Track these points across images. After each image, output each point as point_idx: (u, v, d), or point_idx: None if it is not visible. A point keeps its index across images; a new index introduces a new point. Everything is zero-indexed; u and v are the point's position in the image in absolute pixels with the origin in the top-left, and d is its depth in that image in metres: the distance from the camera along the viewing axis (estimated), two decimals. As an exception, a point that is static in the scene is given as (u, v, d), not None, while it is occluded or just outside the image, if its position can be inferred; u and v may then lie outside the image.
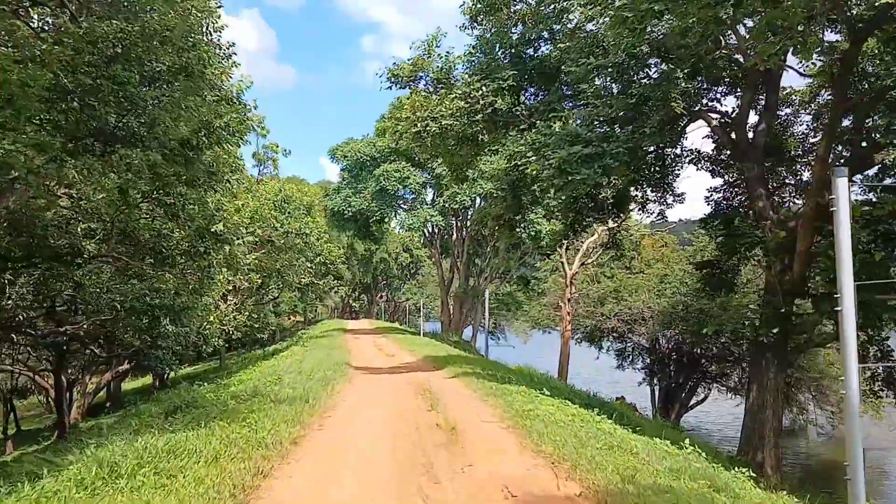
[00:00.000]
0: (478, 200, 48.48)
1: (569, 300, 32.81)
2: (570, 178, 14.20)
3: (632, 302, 30.40)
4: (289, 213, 34.96)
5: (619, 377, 41.93)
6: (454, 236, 53.70)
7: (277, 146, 42.43)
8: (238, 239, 16.96)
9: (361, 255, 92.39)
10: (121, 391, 42.63)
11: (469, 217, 52.17)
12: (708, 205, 22.41)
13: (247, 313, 34.06)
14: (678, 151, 20.93)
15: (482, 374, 17.89)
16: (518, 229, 22.38)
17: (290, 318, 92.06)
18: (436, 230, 53.74)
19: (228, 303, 31.60)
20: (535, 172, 14.72)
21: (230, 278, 30.12)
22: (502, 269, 52.27)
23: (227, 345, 46.97)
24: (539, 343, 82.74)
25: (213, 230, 15.54)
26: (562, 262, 34.99)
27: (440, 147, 18.63)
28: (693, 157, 21.38)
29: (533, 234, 44.73)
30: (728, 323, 20.67)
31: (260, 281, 32.64)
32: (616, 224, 22.62)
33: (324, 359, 25.18)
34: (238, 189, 23.98)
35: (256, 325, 42.94)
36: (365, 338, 43.13)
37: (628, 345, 35.62)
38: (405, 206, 47.94)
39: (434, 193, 48.69)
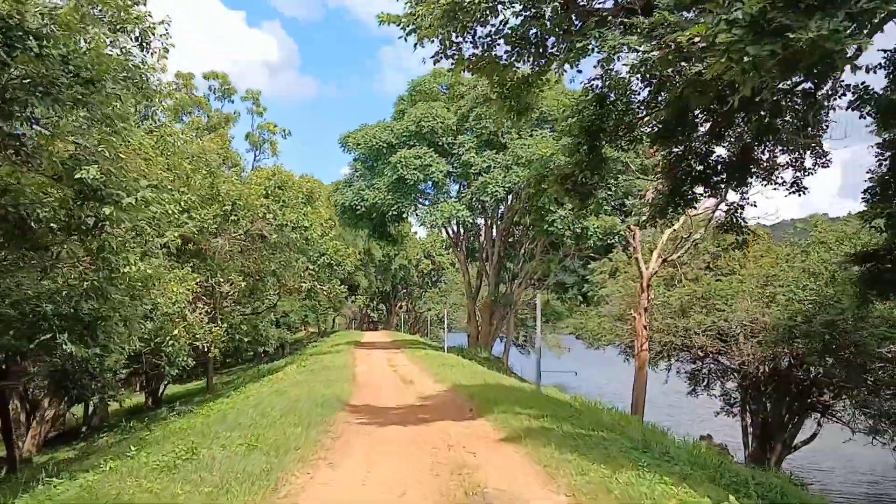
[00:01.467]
0: (510, 199, 41.64)
1: (645, 310, 25.57)
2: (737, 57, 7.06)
3: (728, 312, 23.19)
4: (284, 202, 28.24)
5: (692, 406, 34.72)
6: (482, 237, 46.69)
7: (275, 126, 35.67)
8: (141, 199, 9.85)
9: (379, 261, 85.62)
10: (108, 412, 36.21)
11: (500, 214, 45.16)
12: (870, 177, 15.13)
13: (227, 324, 27.29)
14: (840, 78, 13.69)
15: (559, 434, 10.69)
16: (592, 197, 14.97)
17: (304, 330, 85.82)
18: (461, 230, 46.80)
19: (198, 310, 24.77)
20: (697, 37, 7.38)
21: (203, 280, 23.42)
22: (538, 275, 45.13)
23: (222, 357, 40.40)
24: (578, 358, 75.36)
25: (78, 177, 8.67)
26: (636, 259, 27.73)
27: (485, 59, 11.45)
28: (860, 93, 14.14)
29: (578, 231, 37.70)
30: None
31: (245, 284, 25.92)
32: (739, 195, 15.45)
33: (315, 389, 18.36)
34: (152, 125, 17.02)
35: (248, 339, 36.28)
36: (379, 354, 36.25)
37: (705, 366, 28.40)
38: (426, 201, 41.04)
39: (460, 186, 41.71)
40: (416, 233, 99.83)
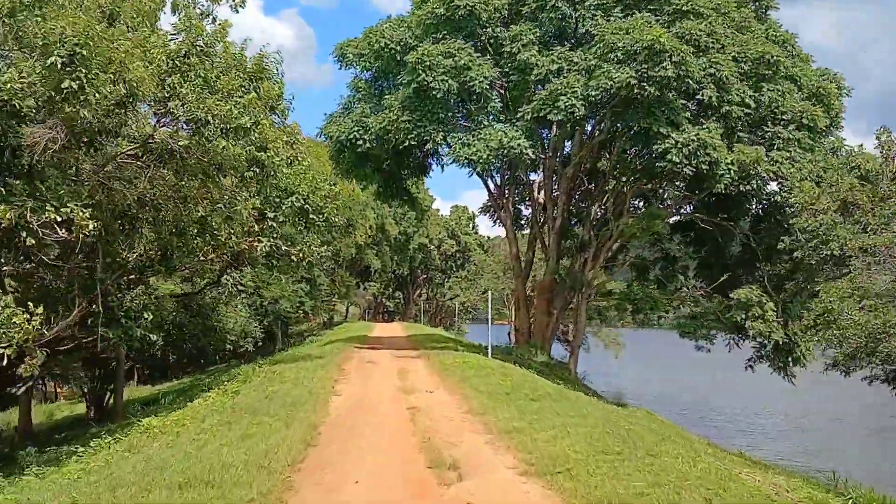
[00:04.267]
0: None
1: None
2: None
3: None
4: (201, 79, 14.52)
5: None
6: (538, 189, 32.76)
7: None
8: None
9: (395, 239, 71.81)
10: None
11: (566, 155, 31.14)
12: None
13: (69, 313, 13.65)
14: None
15: None
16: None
17: (310, 320, 72.05)
18: (508, 177, 32.89)
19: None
20: None
21: None
22: (618, 244, 31.01)
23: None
24: (642, 358, 61.20)
25: None
26: None
27: None
28: None
29: (706, 165, 23.76)
30: None
31: (94, 228, 12.41)
32: None
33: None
34: None
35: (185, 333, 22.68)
36: (386, 362, 22.66)
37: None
38: (461, 124, 26.89)
39: (512, 100, 27.53)
40: (437, 209, 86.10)
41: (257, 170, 17.33)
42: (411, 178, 37.01)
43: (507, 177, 33.20)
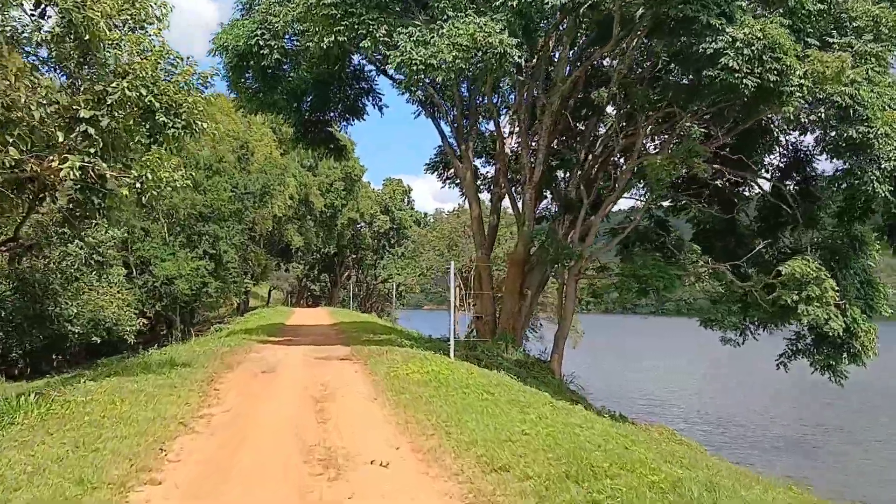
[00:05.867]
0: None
1: None
2: None
3: None
4: None
5: None
6: (515, 122, 24.77)
7: None
8: None
9: (321, 213, 62.80)
10: None
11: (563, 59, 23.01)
12: None
13: None
14: None
15: None
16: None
17: (226, 305, 62.52)
18: (465, 112, 24.79)
19: None
20: None
21: None
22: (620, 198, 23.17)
23: None
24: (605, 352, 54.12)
25: None
26: None
27: None
28: None
29: (776, 76, 16.04)
30: None
31: None
32: None
33: None
34: None
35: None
36: (298, 367, 14.39)
37: None
38: (412, 23, 18.36)
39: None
40: (369, 182, 77.38)
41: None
42: (339, 122, 28.38)
43: (467, 112, 24.99)
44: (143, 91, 10.81)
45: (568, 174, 24.15)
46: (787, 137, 24.18)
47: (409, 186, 76.21)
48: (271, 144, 57.45)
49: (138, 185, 10.73)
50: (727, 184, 24.56)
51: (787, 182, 24.34)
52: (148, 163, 10.73)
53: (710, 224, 25.51)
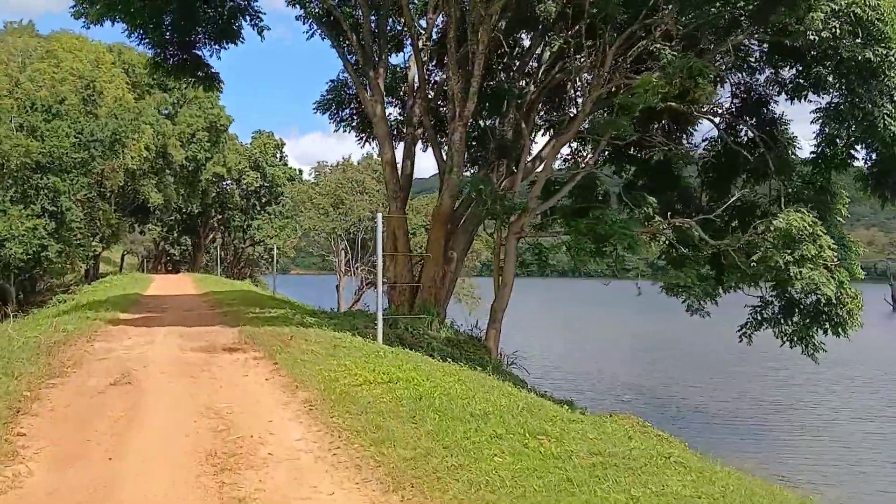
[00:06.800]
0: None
1: None
2: None
3: None
4: None
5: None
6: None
7: None
8: None
9: (181, 166, 55.64)
10: None
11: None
12: None
13: None
14: None
15: None
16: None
17: (73, 270, 54.57)
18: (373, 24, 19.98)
19: None
20: None
21: None
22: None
23: None
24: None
25: None
26: None
27: None
28: None
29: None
30: None
31: None
32: None
33: None
34: None
35: None
36: (168, 370, 9.25)
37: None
38: None
39: None
40: (235, 135, 70.20)
41: None
42: (209, 46, 22.64)
43: (376, 32, 20.11)
44: None
45: (503, 112, 19.72)
46: (736, 77, 21.01)
47: (281, 140, 69.67)
48: (123, 87, 49.85)
49: None
50: (672, 126, 21.24)
51: (740, 126, 21.28)
52: None
53: (644, 179, 22.01)
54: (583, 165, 18.90)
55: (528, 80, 19.40)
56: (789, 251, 16.01)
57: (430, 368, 9.56)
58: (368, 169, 44.74)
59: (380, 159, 44.71)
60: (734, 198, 18.40)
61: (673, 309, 22.25)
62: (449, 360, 13.31)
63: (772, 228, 16.15)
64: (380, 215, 14.02)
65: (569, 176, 18.98)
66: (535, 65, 19.53)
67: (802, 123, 19.53)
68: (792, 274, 15.95)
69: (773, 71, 19.77)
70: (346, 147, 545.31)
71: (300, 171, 69.85)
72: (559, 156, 20.70)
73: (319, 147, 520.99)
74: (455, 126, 18.40)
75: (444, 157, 19.44)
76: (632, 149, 21.13)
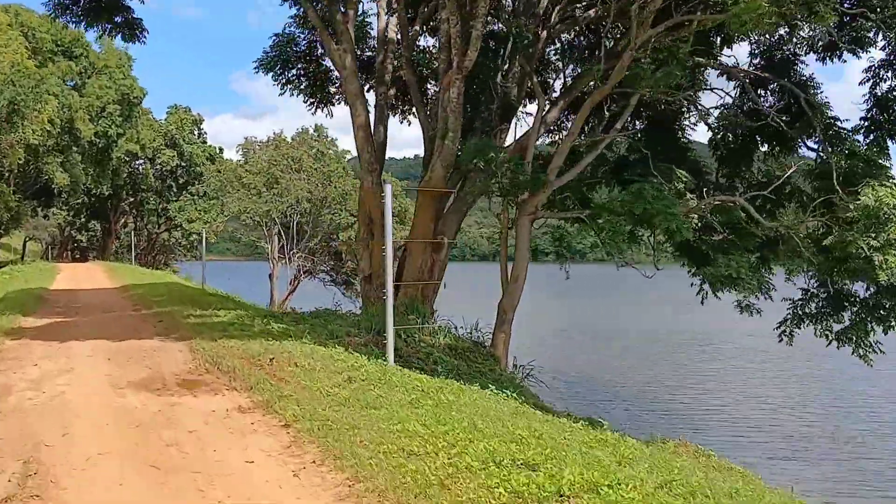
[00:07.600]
0: None
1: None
2: None
3: None
4: None
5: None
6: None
7: None
8: None
9: (90, 143, 49.76)
10: None
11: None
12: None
13: None
14: None
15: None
16: None
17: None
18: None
19: None
20: None
21: None
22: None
23: None
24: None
25: None
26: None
27: None
28: None
29: None
30: None
31: None
32: None
33: None
34: None
35: None
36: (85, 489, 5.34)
37: None
38: None
39: None
40: (149, 109, 64.19)
41: None
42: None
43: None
44: None
45: (507, 64, 16.10)
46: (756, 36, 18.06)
47: (199, 115, 64.01)
48: (22, 52, 43.77)
49: None
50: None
51: (759, 91, 18.35)
52: None
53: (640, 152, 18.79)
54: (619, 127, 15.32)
55: (536, 23, 15.80)
56: (873, 235, 13.08)
57: (549, 429, 5.98)
58: (304, 145, 40.39)
59: (316, 134, 40.33)
60: (792, 169, 15.28)
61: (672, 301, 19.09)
62: (455, 377, 10.34)
63: (852, 207, 13.17)
64: (389, 186, 10.27)
65: (588, 142, 15.50)
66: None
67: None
68: (877, 262, 13.01)
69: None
70: (253, 129, 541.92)
71: (220, 150, 64.51)
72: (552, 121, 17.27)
73: (228, 127, 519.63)
74: (451, 79, 14.73)
75: (430, 119, 15.76)
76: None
